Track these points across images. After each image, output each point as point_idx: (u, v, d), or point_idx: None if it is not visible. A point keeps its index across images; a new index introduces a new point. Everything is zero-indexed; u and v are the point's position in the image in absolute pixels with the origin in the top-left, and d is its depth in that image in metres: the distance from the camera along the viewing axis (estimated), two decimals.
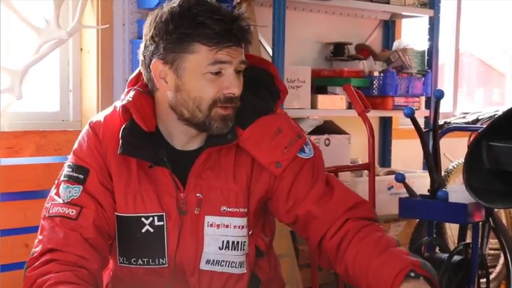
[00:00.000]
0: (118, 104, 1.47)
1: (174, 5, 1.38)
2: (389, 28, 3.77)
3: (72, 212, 1.38)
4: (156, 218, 1.43)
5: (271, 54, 2.96)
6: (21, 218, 2.16)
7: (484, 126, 2.42)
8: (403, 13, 3.62)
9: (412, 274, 1.30)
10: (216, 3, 1.40)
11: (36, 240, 1.40)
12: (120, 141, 1.40)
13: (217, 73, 1.37)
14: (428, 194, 2.68)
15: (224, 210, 1.44)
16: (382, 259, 1.35)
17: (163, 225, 1.43)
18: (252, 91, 1.46)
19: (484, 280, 2.71)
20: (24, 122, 2.60)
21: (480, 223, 2.63)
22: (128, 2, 2.72)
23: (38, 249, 1.37)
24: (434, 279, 1.32)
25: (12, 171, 2.19)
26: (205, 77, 1.37)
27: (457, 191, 2.54)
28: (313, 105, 3.16)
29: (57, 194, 1.42)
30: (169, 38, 1.36)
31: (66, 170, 1.44)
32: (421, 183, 2.93)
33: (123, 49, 2.74)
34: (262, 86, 1.50)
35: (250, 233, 1.48)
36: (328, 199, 1.46)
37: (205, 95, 1.37)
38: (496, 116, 2.52)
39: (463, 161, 2.31)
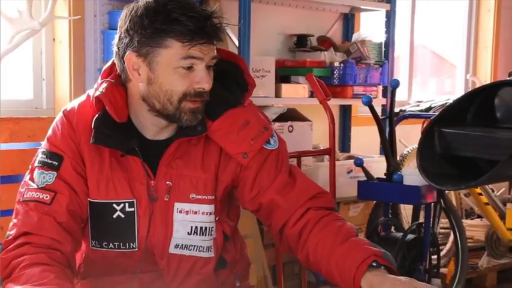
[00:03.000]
0: (91, 92, 1.44)
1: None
2: (348, 21, 3.78)
3: (46, 197, 1.36)
4: (127, 204, 1.42)
5: (237, 45, 2.94)
6: None
7: (436, 113, 2.45)
8: (362, 7, 3.64)
9: (374, 264, 1.30)
10: (190, 0, 1.38)
11: (11, 223, 1.37)
12: (93, 130, 1.38)
13: (189, 68, 1.35)
14: (384, 177, 2.71)
15: (193, 197, 1.44)
16: (344, 249, 1.35)
17: (133, 211, 1.42)
18: (222, 84, 1.45)
19: (435, 257, 2.76)
20: None
21: (432, 204, 2.67)
22: None
23: (13, 232, 1.35)
24: (395, 268, 1.33)
25: None
26: (177, 72, 1.35)
27: (411, 174, 2.57)
28: (277, 94, 3.16)
29: (32, 179, 1.40)
30: (144, 32, 1.34)
31: (40, 156, 1.42)
32: (378, 167, 2.96)
33: (95, 39, 2.70)
34: (231, 79, 1.49)
35: (217, 218, 1.48)
36: (291, 189, 1.46)
37: (176, 88, 1.36)
38: (447, 104, 2.55)
39: (417, 146, 2.33)
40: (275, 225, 1.47)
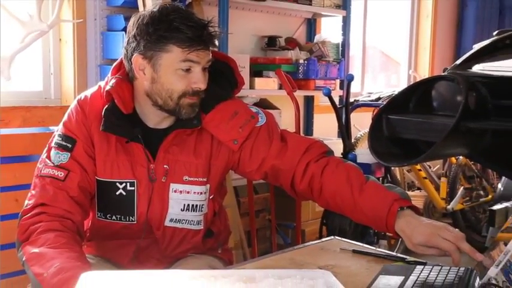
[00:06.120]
0: (102, 84, 1.43)
1: (155, 10, 1.35)
2: (311, 25, 3.80)
3: (61, 174, 1.35)
4: (128, 183, 1.41)
5: (217, 45, 2.94)
6: (11, 178, 2.10)
7: (384, 103, 2.49)
8: (322, 13, 3.66)
9: (399, 209, 1.30)
10: (189, 11, 1.38)
11: (29, 194, 1.36)
12: (103, 119, 1.37)
13: (187, 70, 1.34)
14: (341, 156, 2.74)
15: (186, 179, 1.43)
16: (365, 200, 1.34)
17: (134, 190, 1.41)
18: (215, 81, 1.44)
19: None
20: (13, 99, 2.54)
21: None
22: (99, 0, 2.66)
23: (31, 202, 1.34)
24: (414, 205, 1.31)
25: (3, 139, 2.13)
26: (176, 73, 1.34)
27: (364, 154, 2.62)
28: (251, 86, 3.18)
29: (48, 157, 1.38)
30: (149, 38, 1.33)
31: (56, 138, 1.40)
32: (336, 148, 2.98)
33: (95, 40, 2.68)
34: (224, 77, 1.48)
35: (211, 197, 1.48)
36: (285, 151, 1.45)
37: (176, 87, 1.35)
38: (393, 95, 2.59)
39: (368, 130, 2.37)
40: (285, 185, 1.47)
